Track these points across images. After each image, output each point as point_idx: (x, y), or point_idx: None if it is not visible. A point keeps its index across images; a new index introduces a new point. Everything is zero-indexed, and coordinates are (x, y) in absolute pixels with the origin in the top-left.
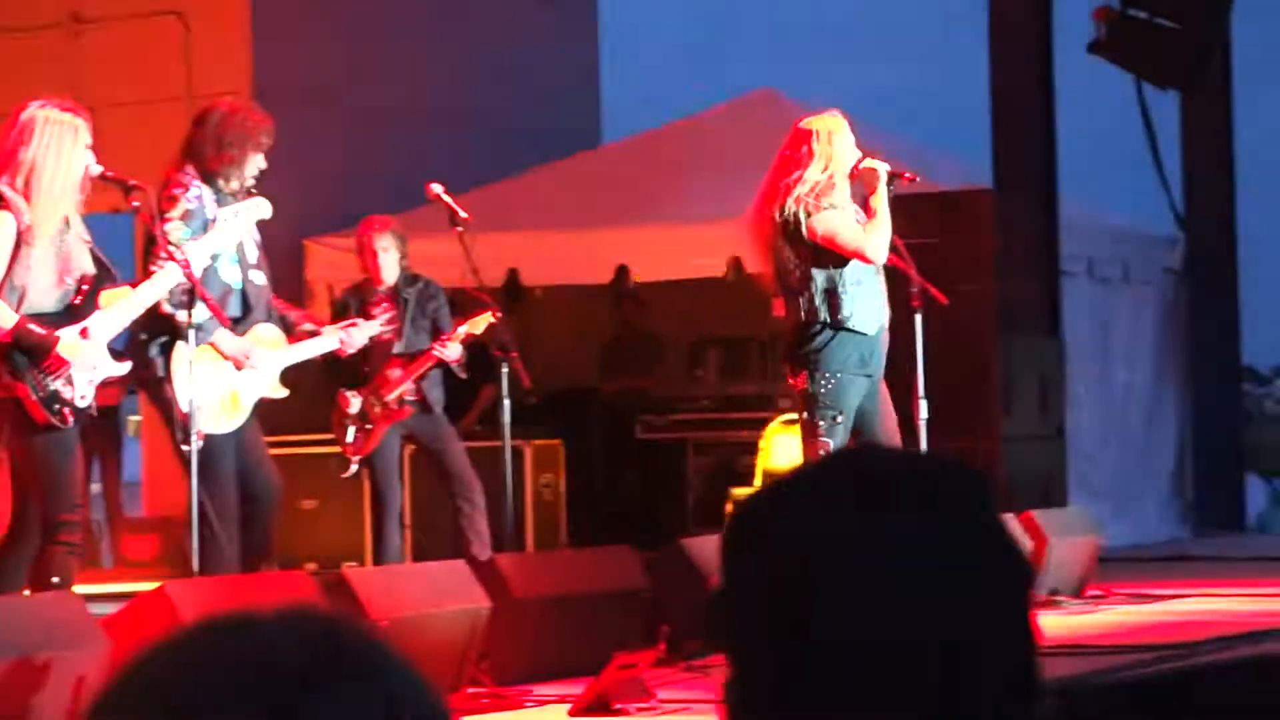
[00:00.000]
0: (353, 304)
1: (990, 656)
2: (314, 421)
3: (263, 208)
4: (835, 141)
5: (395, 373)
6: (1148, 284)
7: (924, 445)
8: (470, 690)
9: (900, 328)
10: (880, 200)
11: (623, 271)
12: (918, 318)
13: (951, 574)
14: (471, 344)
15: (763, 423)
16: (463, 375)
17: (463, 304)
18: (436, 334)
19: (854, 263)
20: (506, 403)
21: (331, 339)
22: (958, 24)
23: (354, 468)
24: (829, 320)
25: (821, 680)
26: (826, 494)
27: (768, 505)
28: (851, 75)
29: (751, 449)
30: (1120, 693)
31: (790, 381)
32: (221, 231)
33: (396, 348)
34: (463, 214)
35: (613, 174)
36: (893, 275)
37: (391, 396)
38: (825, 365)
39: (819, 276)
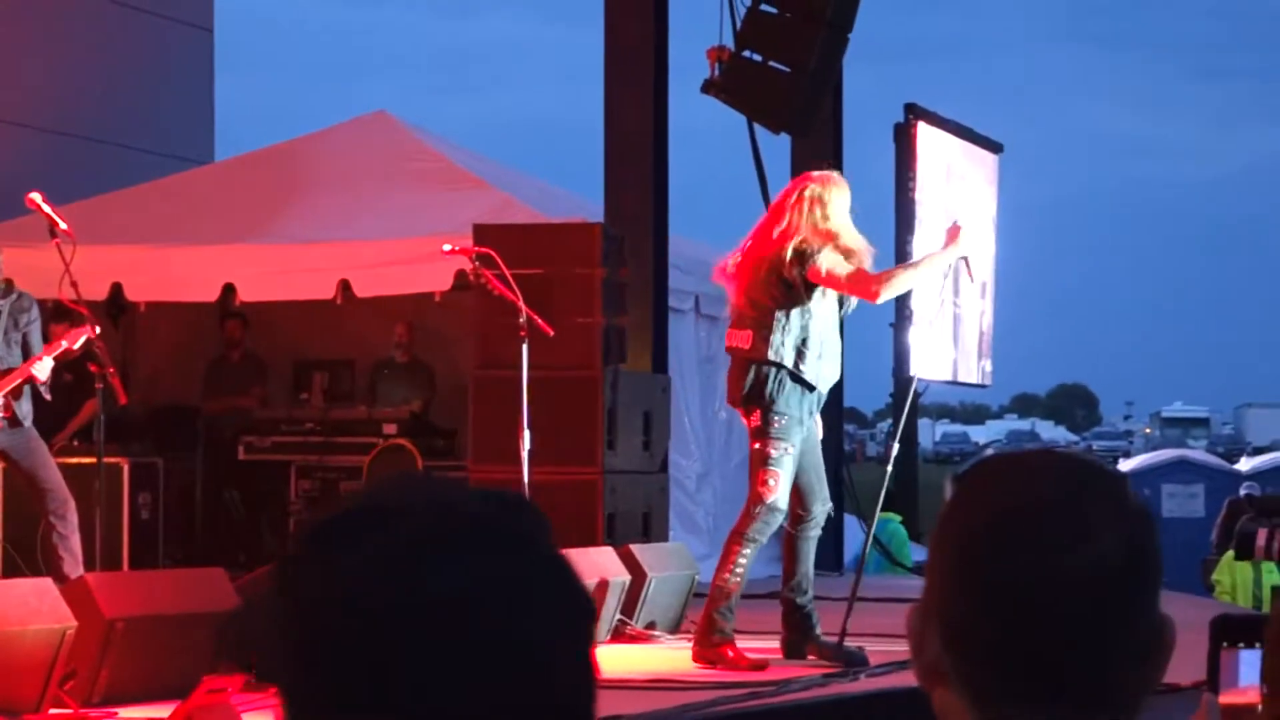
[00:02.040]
0: None
1: (559, 693)
2: None
3: None
4: (833, 193)
5: None
6: None
7: (526, 476)
8: (54, 712)
9: (506, 358)
10: (938, 261)
11: (229, 290)
12: (524, 348)
13: (520, 611)
14: (71, 359)
15: (368, 447)
16: (47, 397)
17: (61, 317)
18: (27, 348)
19: (823, 320)
20: (102, 419)
21: None
22: (581, 56)
23: None
24: (790, 367)
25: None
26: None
27: (324, 539)
28: (471, 104)
29: (355, 473)
30: None
31: (744, 417)
32: None
33: None
34: (63, 225)
35: (223, 191)
36: (500, 305)
37: None
38: (775, 406)
39: (793, 325)
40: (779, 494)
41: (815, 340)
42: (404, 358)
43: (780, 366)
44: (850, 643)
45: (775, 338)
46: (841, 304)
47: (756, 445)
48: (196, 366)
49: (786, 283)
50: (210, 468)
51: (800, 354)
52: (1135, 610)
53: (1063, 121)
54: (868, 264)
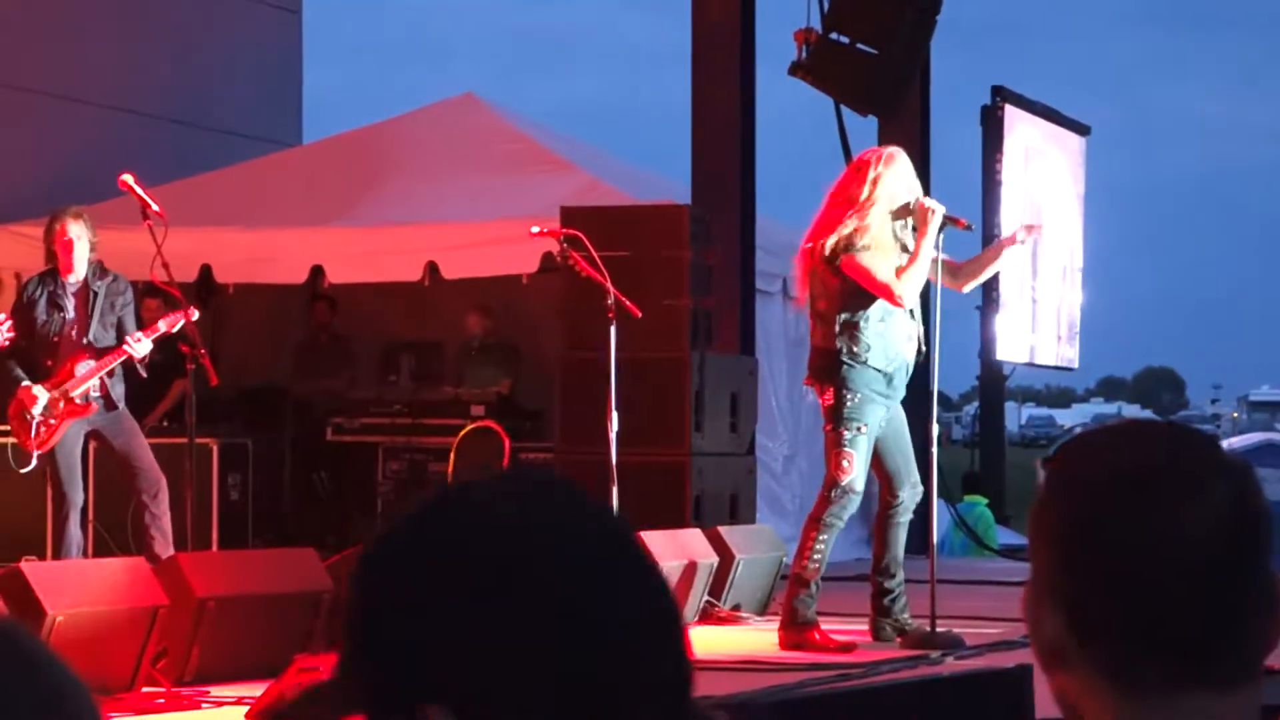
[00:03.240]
0: (40, 294)
1: (647, 677)
2: None
3: None
4: (888, 178)
5: (81, 368)
6: None
7: (614, 458)
8: (146, 690)
9: (593, 340)
10: (926, 243)
11: (317, 272)
12: (611, 330)
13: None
14: (161, 340)
15: (455, 429)
16: (143, 374)
17: (154, 294)
18: (122, 330)
19: (881, 301)
20: (193, 399)
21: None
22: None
23: (34, 462)
24: (845, 351)
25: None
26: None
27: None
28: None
29: (443, 455)
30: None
31: (820, 398)
32: None
33: (83, 343)
34: (155, 206)
35: (311, 174)
36: (588, 287)
37: (77, 392)
38: (848, 385)
39: (843, 310)
40: (854, 475)
41: (873, 321)
42: (483, 342)
43: (839, 351)
44: (940, 626)
45: (835, 320)
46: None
47: (829, 426)
48: (285, 348)
49: (835, 272)
50: (299, 449)
51: (854, 339)
52: (1256, 563)
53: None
54: (895, 257)
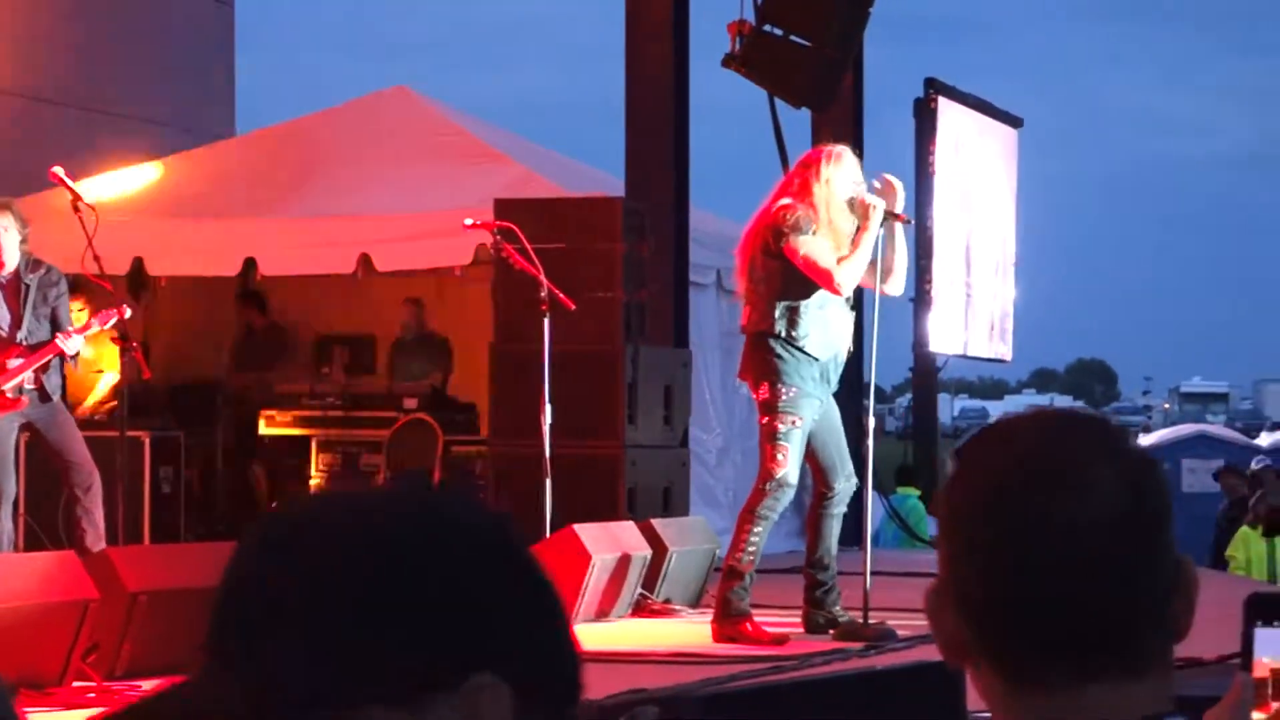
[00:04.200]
0: None
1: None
2: None
3: None
4: (834, 172)
5: (14, 361)
6: None
7: (546, 451)
8: (76, 685)
9: (527, 332)
10: (867, 236)
11: (250, 265)
12: (545, 323)
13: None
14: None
15: (388, 421)
16: (76, 369)
17: (87, 291)
18: (56, 322)
19: (822, 289)
20: (126, 393)
21: None
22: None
23: None
24: (784, 335)
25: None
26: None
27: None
28: (491, 80)
29: (376, 447)
30: (728, 701)
31: (753, 392)
32: None
33: (17, 336)
34: (86, 200)
35: (245, 166)
36: (521, 280)
37: (9, 386)
38: (783, 378)
39: (783, 295)
40: (789, 469)
41: (812, 308)
42: (414, 335)
43: (778, 338)
44: (874, 618)
45: (771, 310)
46: None
47: (765, 419)
48: (217, 341)
49: (776, 255)
50: (232, 442)
51: (793, 323)
52: (1146, 554)
53: (1085, 96)
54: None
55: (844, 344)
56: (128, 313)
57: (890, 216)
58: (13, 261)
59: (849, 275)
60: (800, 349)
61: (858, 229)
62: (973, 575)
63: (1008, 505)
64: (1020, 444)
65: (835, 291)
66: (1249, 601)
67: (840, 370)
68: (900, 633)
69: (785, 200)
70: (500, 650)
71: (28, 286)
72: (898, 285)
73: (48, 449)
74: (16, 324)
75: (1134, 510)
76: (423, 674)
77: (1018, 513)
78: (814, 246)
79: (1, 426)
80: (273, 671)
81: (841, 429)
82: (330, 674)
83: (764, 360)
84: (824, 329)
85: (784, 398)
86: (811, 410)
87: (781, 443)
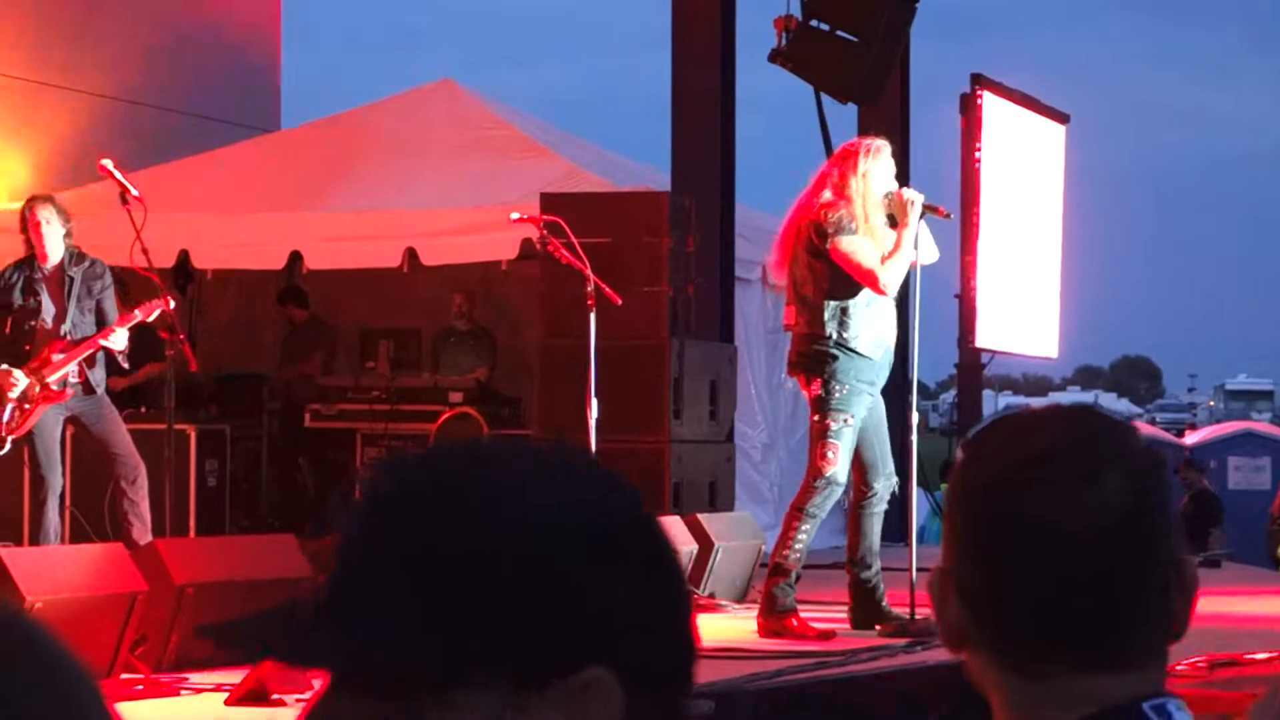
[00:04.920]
0: (17, 280)
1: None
2: None
3: None
4: (872, 166)
5: (58, 355)
6: None
7: (593, 445)
8: (125, 677)
9: (573, 327)
10: (908, 233)
11: (295, 258)
12: (591, 317)
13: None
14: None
15: (433, 415)
16: (125, 365)
17: (132, 285)
18: (101, 315)
19: (867, 288)
20: (172, 385)
21: None
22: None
23: (8, 447)
24: (835, 338)
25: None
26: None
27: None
28: (536, 73)
29: (422, 441)
30: (778, 696)
31: (804, 389)
32: None
33: (61, 329)
34: (134, 191)
35: (289, 160)
36: (568, 274)
37: (53, 378)
38: (836, 376)
39: (831, 296)
40: (838, 467)
41: (860, 306)
42: (465, 326)
43: (829, 339)
44: (920, 614)
45: (821, 311)
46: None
47: (816, 417)
48: (262, 334)
49: (821, 256)
50: (277, 435)
51: (844, 324)
52: (1148, 555)
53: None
54: (883, 247)
55: (892, 339)
56: (172, 304)
57: (929, 210)
58: (56, 254)
59: (893, 274)
60: (852, 349)
61: (896, 225)
62: (974, 566)
63: (1015, 499)
64: (1028, 440)
65: (880, 292)
66: None
67: (889, 366)
68: None
69: (826, 197)
70: (620, 643)
71: (71, 279)
72: (929, 253)
73: (93, 442)
74: (61, 317)
75: (1138, 512)
76: (535, 660)
77: (1025, 507)
78: (857, 246)
79: (46, 420)
80: (379, 636)
81: (886, 427)
82: (436, 648)
83: (816, 360)
84: (873, 327)
85: (837, 396)
86: (862, 408)
87: (833, 441)
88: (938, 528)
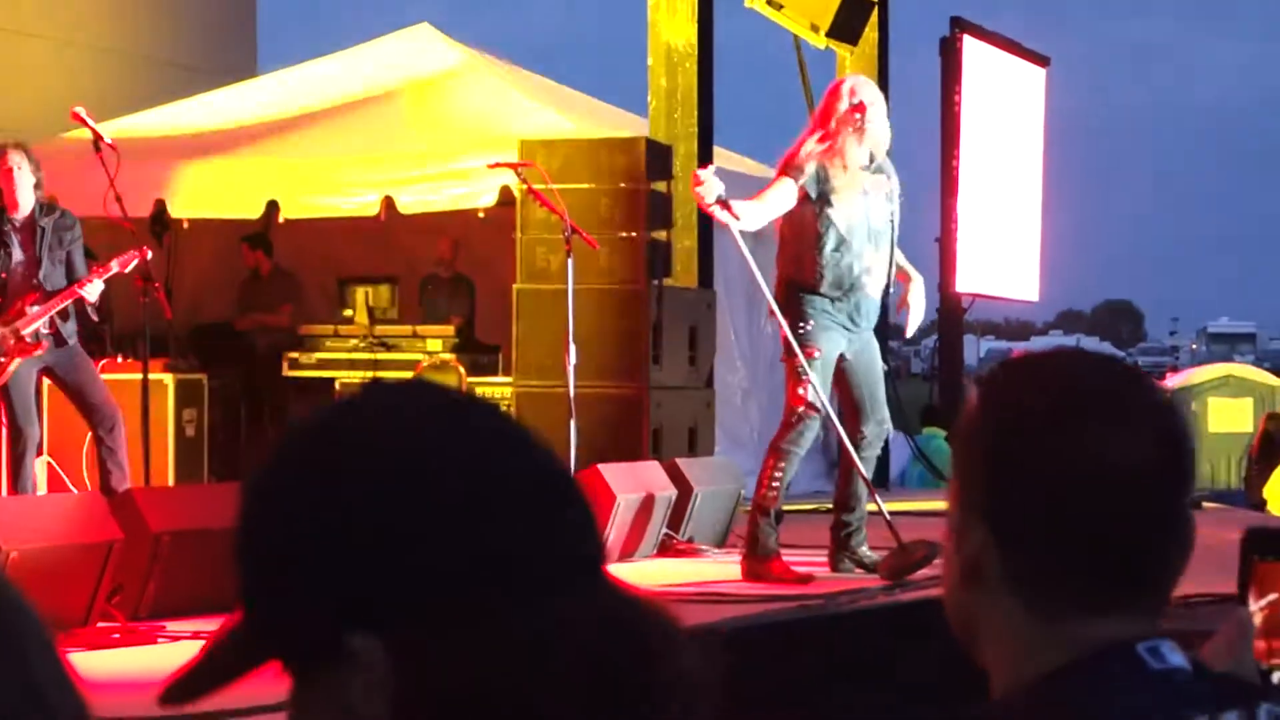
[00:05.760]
0: None
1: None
2: None
3: None
4: (838, 105)
5: (33, 307)
6: None
7: (571, 391)
8: (101, 625)
9: (550, 273)
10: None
11: (273, 207)
12: (568, 263)
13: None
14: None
15: (413, 364)
16: (95, 318)
17: (106, 234)
18: (71, 267)
19: (847, 222)
20: (148, 334)
21: None
22: None
23: None
24: (795, 278)
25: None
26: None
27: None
28: (515, 17)
29: None
30: (748, 634)
31: (781, 333)
32: None
33: (33, 280)
34: (108, 140)
35: (267, 107)
36: (545, 220)
37: (28, 331)
38: (802, 314)
39: (795, 236)
40: (811, 399)
41: (830, 243)
42: (447, 274)
43: (791, 278)
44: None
45: (787, 252)
46: (889, 201)
47: (785, 355)
48: (239, 283)
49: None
50: (255, 385)
51: (804, 266)
52: (1176, 500)
53: (1114, 35)
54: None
55: (872, 285)
56: (149, 255)
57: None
58: (27, 204)
59: (749, 213)
60: (814, 290)
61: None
62: (1010, 499)
63: (1055, 429)
64: (1065, 376)
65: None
66: (1247, 535)
67: (873, 312)
68: (926, 570)
69: (800, 137)
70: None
71: (43, 230)
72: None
73: (68, 393)
74: (33, 268)
75: (1174, 458)
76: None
77: (1064, 438)
78: (777, 184)
79: (20, 373)
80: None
81: (878, 372)
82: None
83: (784, 301)
84: (836, 270)
85: (802, 331)
86: (832, 345)
87: (802, 377)
88: (919, 472)
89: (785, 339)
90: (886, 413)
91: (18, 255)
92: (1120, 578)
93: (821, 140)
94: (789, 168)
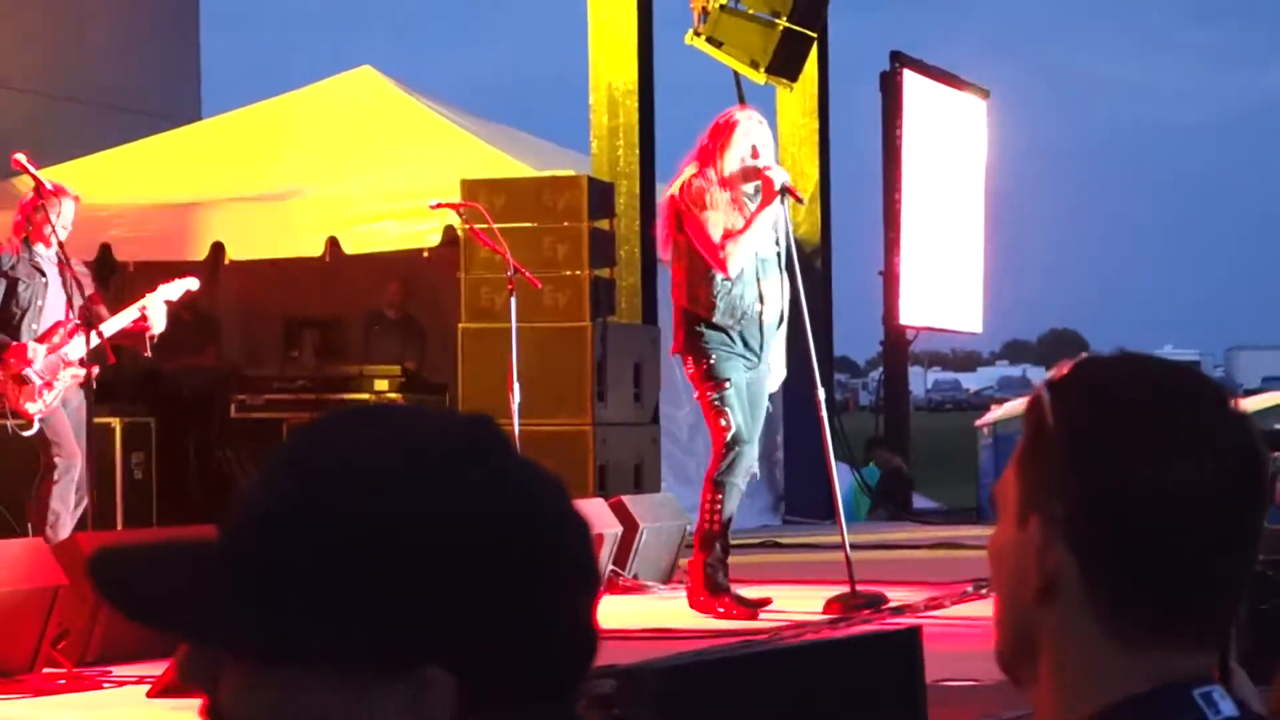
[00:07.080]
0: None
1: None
2: None
3: None
4: (734, 141)
5: (78, 336)
6: None
7: (516, 429)
8: (47, 671)
9: (494, 311)
10: (765, 214)
11: (219, 249)
12: (512, 301)
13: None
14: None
15: (359, 404)
16: (148, 353)
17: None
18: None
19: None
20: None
21: None
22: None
23: (36, 426)
24: (692, 310)
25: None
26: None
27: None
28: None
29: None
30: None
31: (685, 370)
32: None
33: (70, 313)
34: (49, 186)
35: (211, 150)
36: (488, 259)
37: (77, 357)
38: (704, 350)
39: (690, 269)
40: (737, 427)
41: (719, 277)
42: (395, 314)
43: (692, 314)
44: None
45: (683, 284)
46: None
47: (698, 394)
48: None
49: (682, 230)
50: (203, 427)
51: (699, 298)
52: (1255, 533)
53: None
54: (735, 223)
55: (768, 313)
56: (196, 285)
57: (787, 192)
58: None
59: (735, 255)
60: (711, 323)
61: (759, 205)
62: (1097, 519)
63: (1163, 422)
64: (1159, 370)
65: (722, 268)
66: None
67: (769, 341)
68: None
69: (690, 171)
70: (473, 648)
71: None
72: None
73: (55, 428)
74: (70, 297)
75: (1263, 491)
76: (377, 649)
77: (1165, 471)
78: (708, 224)
79: (70, 399)
80: (228, 614)
81: (764, 404)
82: (266, 626)
83: (685, 335)
84: (728, 299)
85: (708, 365)
86: (737, 371)
87: (720, 407)
88: (869, 505)
89: (693, 377)
90: (757, 450)
91: (54, 283)
92: (1206, 609)
93: (702, 175)
94: (697, 199)
